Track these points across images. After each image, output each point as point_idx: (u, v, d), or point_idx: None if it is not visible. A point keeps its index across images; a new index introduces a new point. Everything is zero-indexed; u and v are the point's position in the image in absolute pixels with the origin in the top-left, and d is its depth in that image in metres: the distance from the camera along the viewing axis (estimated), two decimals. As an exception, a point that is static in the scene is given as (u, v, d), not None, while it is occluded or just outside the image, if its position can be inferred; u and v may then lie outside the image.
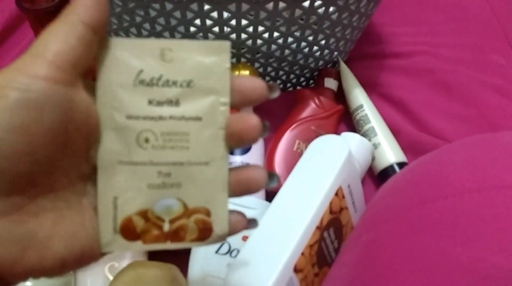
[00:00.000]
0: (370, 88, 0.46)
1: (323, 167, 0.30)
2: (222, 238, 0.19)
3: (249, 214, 0.32)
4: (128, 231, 0.18)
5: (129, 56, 0.17)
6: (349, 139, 0.37)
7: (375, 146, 0.40)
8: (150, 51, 0.18)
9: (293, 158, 0.38)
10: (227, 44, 0.18)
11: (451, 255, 0.19)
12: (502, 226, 0.19)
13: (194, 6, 0.34)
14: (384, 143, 0.40)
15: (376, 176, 0.40)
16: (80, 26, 0.16)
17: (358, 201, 0.34)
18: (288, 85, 0.47)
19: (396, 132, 0.42)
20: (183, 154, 0.18)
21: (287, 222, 0.28)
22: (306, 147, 0.40)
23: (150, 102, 0.17)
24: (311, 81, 0.47)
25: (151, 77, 0.18)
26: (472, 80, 0.45)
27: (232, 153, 0.38)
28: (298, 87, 0.48)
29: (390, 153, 0.39)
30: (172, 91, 0.18)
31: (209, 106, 0.18)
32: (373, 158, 0.40)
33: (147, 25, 0.37)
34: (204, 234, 0.19)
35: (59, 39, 0.16)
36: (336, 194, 0.30)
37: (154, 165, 0.18)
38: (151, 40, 0.18)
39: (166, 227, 0.18)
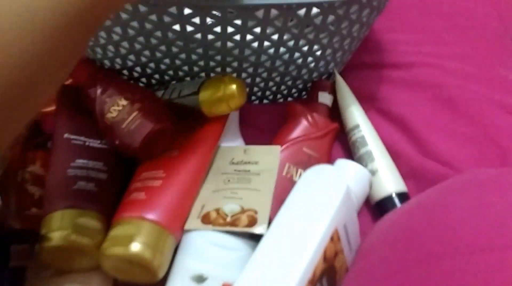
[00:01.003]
0: (367, 102, 0.42)
1: (317, 208, 0.26)
2: (263, 227, 0.28)
3: (232, 256, 0.28)
4: (205, 219, 0.30)
5: (228, 154, 0.35)
6: (346, 168, 0.34)
7: (372, 172, 0.36)
8: (238, 150, 0.35)
9: (283, 185, 0.34)
10: (278, 147, 0.35)
11: None
12: None
13: (174, 10, 0.30)
14: (383, 170, 0.36)
15: (373, 206, 0.36)
16: None
17: (353, 239, 0.30)
18: (278, 96, 0.43)
19: (395, 155, 0.38)
20: (246, 185, 0.32)
21: (276, 274, 0.24)
22: (297, 171, 0.36)
23: (235, 169, 0.34)
24: (304, 93, 0.43)
25: (238, 160, 0.35)
26: (479, 97, 0.41)
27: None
28: (289, 99, 0.44)
29: (389, 181, 0.35)
30: (247, 166, 0.34)
31: (266, 169, 0.33)
32: (371, 185, 0.36)
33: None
34: (251, 223, 0.29)
35: None
36: (331, 238, 0.26)
37: (229, 189, 0.32)
38: (239, 145, 0.36)
39: (229, 219, 0.30)
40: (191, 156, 0.34)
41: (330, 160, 0.39)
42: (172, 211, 0.30)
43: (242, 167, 0.34)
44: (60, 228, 0.28)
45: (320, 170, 0.28)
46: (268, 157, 0.34)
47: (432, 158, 0.38)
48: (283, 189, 0.34)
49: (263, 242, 0.26)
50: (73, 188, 0.31)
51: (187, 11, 0.30)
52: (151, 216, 0.29)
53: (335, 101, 0.41)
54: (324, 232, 0.25)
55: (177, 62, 0.36)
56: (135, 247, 0.27)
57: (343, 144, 0.41)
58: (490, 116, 0.40)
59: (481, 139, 0.39)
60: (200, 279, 0.27)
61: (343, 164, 0.34)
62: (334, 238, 0.27)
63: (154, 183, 0.31)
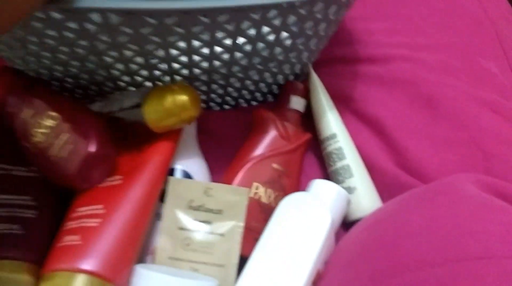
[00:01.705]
0: (341, 102, 0.39)
1: (300, 249, 0.24)
2: None
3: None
4: None
5: (186, 192, 0.30)
6: (326, 192, 0.30)
7: (350, 190, 0.33)
8: (198, 188, 0.31)
9: (251, 208, 0.31)
10: (246, 190, 0.30)
11: None
12: None
13: (96, 18, 0.25)
14: (361, 189, 0.33)
15: (349, 224, 0.33)
16: None
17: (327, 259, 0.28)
18: (240, 100, 0.39)
19: (370, 167, 0.35)
20: (208, 257, 0.29)
21: None
22: (266, 191, 0.32)
23: (194, 220, 0.30)
24: (269, 96, 0.39)
25: (197, 205, 0.30)
26: (461, 95, 0.38)
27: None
28: (253, 103, 0.40)
29: (366, 201, 0.32)
30: (209, 216, 0.30)
31: (230, 228, 0.30)
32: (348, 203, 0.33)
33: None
34: None
35: None
36: (313, 280, 0.24)
37: (189, 262, 0.29)
38: (199, 181, 0.31)
39: None
40: (137, 184, 0.29)
41: (300, 175, 0.35)
42: (113, 258, 0.26)
43: (203, 217, 0.30)
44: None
45: (299, 201, 0.25)
46: (234, 202, 0.30)
47: (409, 169, 0.35)
48: (251, 213, 0.31)
49: (240, 283, 0.23)
50: (-8, 234, 0.26)
51: (114, 18, 0.25)
52: (87, 266, 0.25)
53: (308, 104, 0.38)
54: (307, 278, 0.22)
55: (115, 72, 0.31)
56: (68, 308, 0.23)
57: (315, 153, 0.37)
58: (474, 117, 0.37)
59: (463, 143, 0.36)
60: None
61: (323, 188, 0.30)
62: (316, 280, 0.24)
63: (91, 223, 0.27)
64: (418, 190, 0.28)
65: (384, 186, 0.34)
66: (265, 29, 0.28)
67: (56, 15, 0.24)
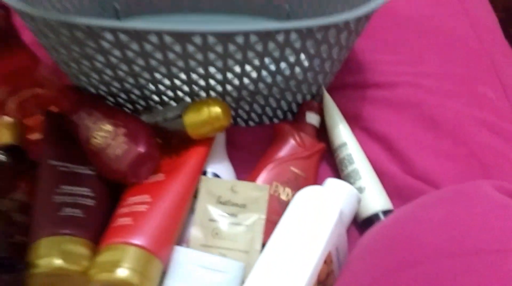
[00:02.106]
0: (352, 121, 0.44)
1: (312, 233, 0.28)
2: None
3: (220, 278, 0.29)
4: None
5: (215, 189, 0.36)
6: (337, 188, 0.35)
7: (360, 190, 0.37)
8: (225, 186, 0.36)
9: (271, 203, 0.36)
10: (267, 187, 0.36)
11: None
12: None
13: (155, 39, 0.32)
14: (370, 188, 0.37)
15: (360, 223, 0.38)
16: None
17: (343, 257, 0.32)
18: (264, 118, 0.45)
19: (381, 173, 0.40)
20: (234, 244, 0.34)
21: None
22: (284, 190, 0.37)
23: (222, 213, 0.35)
24: (290, 115, 0.45)
25: (225, 200, 0.36)
26: (460, 115, 0.44)
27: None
28: (275, 120, 0.45)
29: (375, 200, 0.37)
30: (235, 209, 0.35)
31: (254, 219, 0.35)
32: (359, 204, 0.37)
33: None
34: None
35: None
36: (325, 261, 0.28)
37: (218, 248, 0.34)
38: (226, 180, 0.37)
39: None
40: (177, 180, 0.35)
41: (317, 179, 0.40)
42: (158, 236, 0.31)
43: (230, 210, 0.35)
44: (47, 255, 0.29)
45: (312, 192, 0.30)
46: (256, 198, 0.35)
47: (416, 176, 0.40)
48: (271, 208, 0.36)
49: (256, 266, 0.27)
50: (59, 215, 0.32)
51: (168, 39, 0.32)
52: (137, 241, 0.30)
53: (322, 121, 0.43)
54: (319, 257, 0.27)
55: (161, 87, 0.38)
56: (122, 272, 0.28)
57: (330, 162, 0.42)
58: (472, 134, 0.42)
59: (463, 157, 0.41)
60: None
61: (334, 184, 0.35)
62: (327, 261, 0.28)
63: (141, 208, 0.32)
64: (439, 191, 0.29)
65: (394, 189, 0.38)
66: (288, 51, 0.35)
67: (124, 37, 0.31)
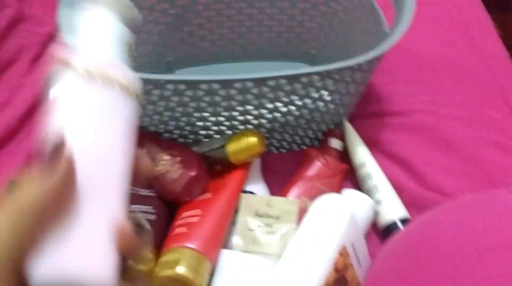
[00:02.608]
0: (372, 145, 0.50)
1: (327, 228, 0.34)
2: None
3: (261, 274, 0.36)
4: None
5: (253, 204, 0.43)
6: (351, 196, 0.41)
7: (379, 202, 0.43)
8: (262, 201, 0.43)
9: (301, 215, 0.42)
10: (297, 201, 0.43)
11: None
12: None
13: (205, 86, 0.41)
14: (387, 200, 0.43)
15: (381, 232, 0.43)
16: None
17: (362, 257, 0.37)
18: (294, 145, 0.52)
19: (398, 189, 0.45)
20: (270, 250, 0.40)
21: (293, 282, 0.32)
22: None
23: (259, 224, 0.42)
24: (316, 142, 0.52)
25: (262, 213, 0.42)
26: (470, 137, 0.49)
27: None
28: (303, 147, 0.53)
29: (392, 209, 0.43)
30: (270, 220, 0.42)
31: (286, 229, 0.41)
32: (377, 214, 0.43)
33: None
34: None
35: None
36: (341, 253, 0.34)
37: (256, 253, 0.39)
38: (263, 196, 0.45)
39: None
40: (222, 197, 0.43)
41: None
42: (208, 241, 0.38)
43: (266, 222, 0.42)
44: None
45: (329, 198, 0.36)
46: (288, 210, 0.42)
47: (431, 190, 0.45)
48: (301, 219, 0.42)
49: (282, 258, 0.34)
50: (130, 226, 0.40)
51: (215, 86, 0.41)
52: (192, 245, 0.37)
53: (345, 148, 0.50)
54: (333, 247, 0.33)
55: (208, 124, 0.47)
56: (181, 269, 0.36)
57: (352, 181, 0.49)
58: (482, 153, 0.47)
59: (474, 173, 0.46)
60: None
61: (349, 193, 0.42)
62: (343, 253, 0.34)
63: (193, 220, 0.40)
64: (456, 199, 0.32)
65: (411, 201, 0.44)
66: (311, 89, 0.43)
67: (182, 86, 0.41)
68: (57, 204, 0.20)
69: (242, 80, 0.40)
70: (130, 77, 0.24)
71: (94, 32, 0.24)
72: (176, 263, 0.36)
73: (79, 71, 0.22)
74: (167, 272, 0.36)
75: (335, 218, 0.34)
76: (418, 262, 0.26)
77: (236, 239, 0.41)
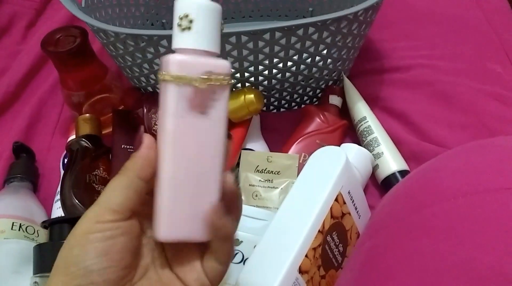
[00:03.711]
0: (372, 102, 0.51)
1: (321, 175, 0.35)
2: None
3: (260, 224, 0.37)
4: None
5: (253, 160, 0.44)
6: (348, 149, 0.42)
7: (378, 155, 0.44)
8: (262, 157, 0.44)
9: (300, 170, 0.43)
10: (297, 156, 0.44)
11: (446, 257, 0.21)
12: (495, 228, 0.21)
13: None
14: (387, 153, 0.44)
15: (380, 184, 0.44)
16: (136, 180, 0.24)
17: (361, 207, 0.38)
18: (293, 104, 0.53)
19: (398, 142, 0.46)
20: (270, 204, 0.42)
21: (290, 227, 0.33)
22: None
23: (260, 179, 0.43)
24: (315, 99, 0.53)
25: (262, 168, 0.43)
26: (470, 90, 0.49)
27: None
28: (302, 106, 0.53)
29: (392, 162, 0.43)
30: (271, 176, 0.43)
31: (286, 184, 0.43)
32: (377, 167, 0.44)
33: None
34: None
35: (120, 192, 0.24)
36: (336, 200, 0.35)
37: (257, 207, 0.41)
38: (263, 152, 0.45)
39: None
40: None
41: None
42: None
43: (266, 177, 0.43)
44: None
45: (325, 149, 0.37)
46: (288, 165, 0.43)
47: (431, 142, 0.45)
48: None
49: (280, 207, 0.35)
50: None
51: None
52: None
53: (344, 105, 0.50)
54: (328, 192, 0.34)
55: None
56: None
57: (352, 137, 0.49)
58: (482, 105, 0.48)
59: (474, 126, 0.46)
60: (237, 242, 0.36)
61: (346, 146, 0.43)
62: (339, 200, 0.35)
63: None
64: (455, 148, 0.30)
65: (412, 154, 0.45)
66: (308, 43, 0.43)
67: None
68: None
69: (237, 33, 0.40)
70: (225, 67, 0.24)
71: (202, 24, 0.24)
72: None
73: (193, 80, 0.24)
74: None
75: (329, 166, 0.35)
76: (417, 205, 0.25)
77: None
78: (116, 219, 0.24)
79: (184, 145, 0.24)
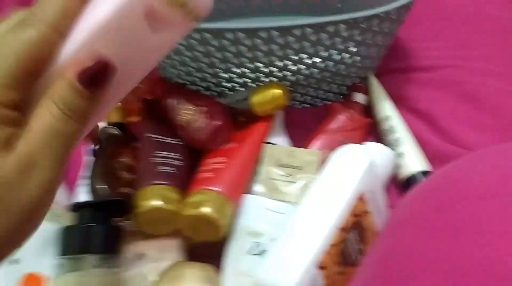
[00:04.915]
0: (397, 101, 0.50)
1: (345, 174, 0.35)
2: None
3: (279, 218, 0.37)
4: None
5: (275, 154, 0.44)
6: (372, 147, 0.42)
7: (401, 155, 0.43)
8: (284, 151, 0.44)
9: (322, 166, 0.43)
10: (318, 152, 0.43)
11: (473, 258, 0.21)
12: None
13: (230, 35, 0.41)
14: (409, 153, 0.43)
15: (401, 184, 0.43)
16: (47, 31, 0.20)
17: (381, 207, 0.38)
18: (317, 100, 0.52)
19: (422, 143, 0.45)
20: (291, 198, 0.41)
21: (311, 223, 0.33)
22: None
23: (281, 173, 0.43)
24: (340, 96, 0.52)
25: (284, 163, 0.43)
26: (499, 92, 0.48)
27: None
28: (327, 102, 0.53)
29: (414, 162, 0.43)
30: (292, 170, 0.43)
31: (307, 179, 0.41)
32: (399, 167, 0.44)
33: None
34: None
35: (22, 47, 0.19)
36: (359, 199, 0.35)
37: (277, 200, 0.40)
38: (285, 146, 0.46)
39: None
40: (246, 147, 0.44)
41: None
42: (232, 185, 0.40)
43: (288, 172, 0.43)
44: (151, 198, 0.39)
45: (349, 148, 0.37)
46: (310, 161, 0.42)
47: (456, 144, 0.45)
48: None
49: (302, 203, 0.35)
50: (157, 170, 0.42)
51: (240, 35, 0.41)
52: (217, 188, 0.39)
53: (369, 103, 0.50)
54: (352, 192, 0.34)
55: (232, 75, 0.47)
56: (206, 209, 0.37)
57: (375, 137, 0.49)
58: (509, 107, 0.46)
59: (502, 128, 0.45)
60: (256, 234, 0.36)
61: (370, 144, 0.42)
62: (362, 199, 0.35)
63: (219, 166, 0.42)
64: (481, 149, 0.29)
65: (436, 155, 0.44)
66: (337, 40, 0.42)
67: (207, 35, 0.41)
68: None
69: (267, 29, 0.40)
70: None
71: None
72: (202, 203, 0.38)
73: None
74: (193, 212, 0.38)
75: (354, 165, 0.35)
76: (443, 204, 0.24)
77: (258, 187, 0.43)
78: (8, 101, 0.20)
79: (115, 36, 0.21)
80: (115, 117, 0.49)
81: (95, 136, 0.48)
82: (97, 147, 0.48)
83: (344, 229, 0.33)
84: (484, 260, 0.20)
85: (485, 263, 0.20)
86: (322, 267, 0.32)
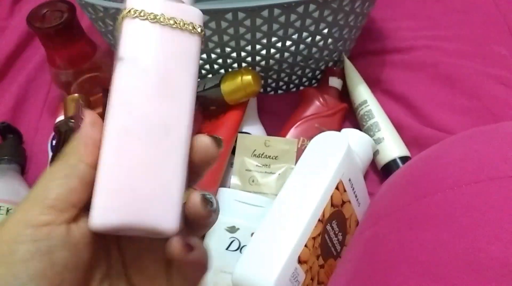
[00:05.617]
0: (373, 84, 0.49)
1: (322, 162, 0.33)
2: None
3: (257, 211, 0.35)
4: None
5: (250, 144, 0.42)
6: (349, 134, 0.40)
7: (379, 140, 0.42)
8: (259, 141, 0.42)
9: (299, 155, 0.41)
10: (295, 141, 0.42)
11: (449, 247, 0.20)
12: (498, 216, 0.20)
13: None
14: (388, 138, 0.42)
15: (380, 171, 0.42)
16: (79, 165, 0.18)
17: (361, 194, 0.37)
18: (291, 86, 0.50)
19: (399, 127, 0.44)
20: (267, 189, 0.41)
21: (289, 216, 0.31)
22: (310, 144, 0.42)
23: (257, 164, 0.41)
24: (314, 81, 0.50)
25: (259, 153, 0.41)
26: (475, 72, 0.47)
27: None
28: (301, 88, 0.51)
29: (393, 147, 0.41)
30: (268, 160, 0.41)
31: (284, 169, 0.41)
32: (377, 153, 0.42)
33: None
34: None
35: (59, 182, 0.18)
36: (337, 188, 0.33)
37: (254, 193, 0.40)
38: (260, 136, 0.43)
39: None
40: (218, 138, 0.41)
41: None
42: (205, 180, 0.37)
43: (263, 162, 0.41)
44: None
45: (325, 135, 0.35)
46: (286, 150, 0.41)
47: (433, 127, 0.44)
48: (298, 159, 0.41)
49: (279, 194, 0.33)
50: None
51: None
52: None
53: (345, 87, 0.48)
54: (329, 180, 0.32)
55: (200, 62, 0.44)
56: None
57: (353, 121, 0.47)
58: (486, 89, 0.46)
59: (478, 110, 0.44)
60: (233, 229, 0.34)
61: (347, 131, 0.40)
62: (340, 188, 0.33)
63: (189, 160, 0.39)
64: (458, 134, 0.29)
65: (413, 140, 0.43)
66: (308, 21, 0.40)
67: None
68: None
69: (233, 9, 0.37)
70: (196, 14, 0.22)
71: None
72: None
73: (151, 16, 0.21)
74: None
75: (330, 153, 0.33)
76: (419, 193, 0.24)
77: (234, 179, 0.41)
78: (55, 220, 0.17)
79: (136, 102, 0.19)
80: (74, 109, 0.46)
81: (54, 130, 0.45)
82: (55, 142, 0.44)
83: (323, 221, 0.32)
84: (459, 250, 0.20)
85: (460, 253, 0.20)
86: (302, 261, 0.30)
